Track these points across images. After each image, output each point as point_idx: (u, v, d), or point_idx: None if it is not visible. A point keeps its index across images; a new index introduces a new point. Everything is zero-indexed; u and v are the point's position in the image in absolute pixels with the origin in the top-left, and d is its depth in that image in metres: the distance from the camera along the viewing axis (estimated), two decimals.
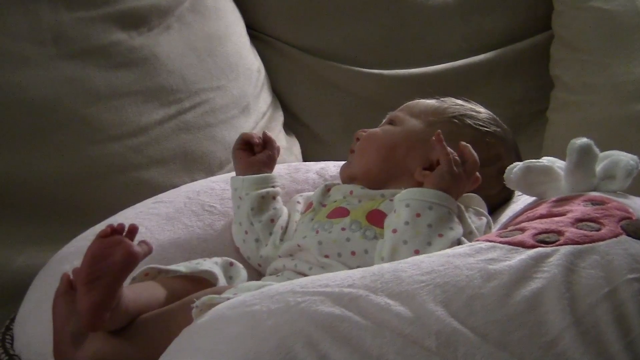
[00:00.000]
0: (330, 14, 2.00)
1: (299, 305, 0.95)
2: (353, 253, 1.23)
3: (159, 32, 1.80)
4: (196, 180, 1.60)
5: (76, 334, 1.09)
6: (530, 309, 0.95)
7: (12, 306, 1.33)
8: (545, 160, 1.23)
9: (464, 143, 1.22)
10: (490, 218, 1.29)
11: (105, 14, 1.74)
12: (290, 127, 2.01)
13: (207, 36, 1.86)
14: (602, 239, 1.03)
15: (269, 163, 1.39)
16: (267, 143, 1.40)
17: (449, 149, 1.20)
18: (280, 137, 1.93)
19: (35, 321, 1.24)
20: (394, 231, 1.17)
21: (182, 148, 1.75)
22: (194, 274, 1.21)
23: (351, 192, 1.32)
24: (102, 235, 1.08)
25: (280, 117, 1.98)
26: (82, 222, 1.41)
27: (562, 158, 1.20)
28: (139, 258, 1.08)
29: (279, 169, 1.51)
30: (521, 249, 1.02)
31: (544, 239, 1.04)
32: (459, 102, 1.38)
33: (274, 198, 1.37)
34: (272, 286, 1.00)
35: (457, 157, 1.21)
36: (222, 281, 1.22)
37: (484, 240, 1.06)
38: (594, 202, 1.12)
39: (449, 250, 1.05)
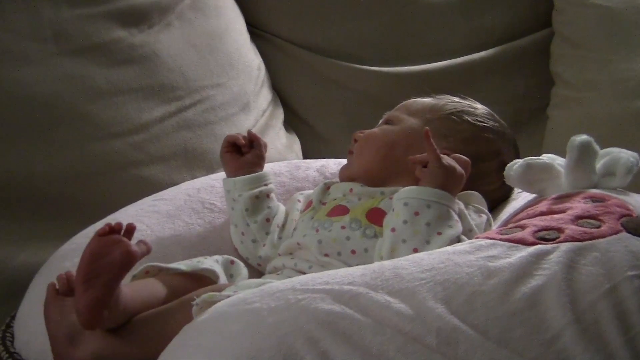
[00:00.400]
0: (330, 11, 2.00)
1: (300, 303, 0.95)
2: (353, 252, 1.23)
3: (159, 30, 1.80)
4: (196, 177, 1.59)
5: (72, 335, 1.10)
6: (531, 306, 0.95)
7: (13, 304, 1.33)
8: (546, 157, 1.23)
9: (427, 128, 1.21)
10: (490, 215, 1.29)
11: (105, 11, 1.74)
12: (290, 124, 2.01)
13: (207, 33, 1.86)
14: (603, 236, 1.03)
15: (259, 162, 1.38)
16: (253, 142, 1.38)
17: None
18: (280, 135, 1.93)
19: (36, 319, 1.23)
20: (393, 230, 1.17)
21: (182, 145, 1.75)
22: (195, 271, 1.21)
23: (351, 190, 1.32)
24: (101, 234, 1.08)
25: (280, 115, 1.98)
26: (82, 220, 1.41)
27: (563, 155, 1.20)
28: (137, 257, 1.08)
29: (279, 167, 1.51)
30: (521, 247, 1.02)
31: (544, 236, 1.04)
32: (456, 99, 1.38)
33: (268, 196, 1.37)
34: (273, 284, 1.00)
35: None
36: (223, 279, 1.22)
37: (484, 238, 1.06)
38: (594, 199, 1.12)
39: (449, 248, 1.05)
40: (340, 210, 1.28)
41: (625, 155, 1.18)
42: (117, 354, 1.10)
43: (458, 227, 1.18)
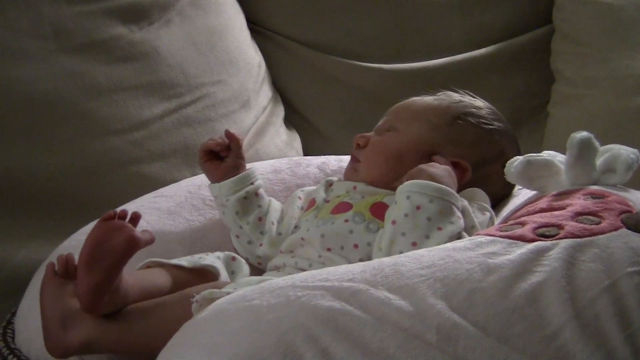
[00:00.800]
0: (331, 8, 1.99)
1: (300, 300, 0.95)
2: (356, 246, 1.22)
3: (159, 26, 1.79)
4: (197, 174, 1.59)
5: (64, 318, 1.09)
6: (531, 302, 0.95)
7: (14, 300, 1.33)
8: (546, 154, 1.23)
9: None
10: (493, 213, 1.28)
11: (105, 8, 1.74)
12: (291, 121, 2.01)
13: (207, 30, 1.86)
14: (602, 233, 1.03)
15: (240, 163, 1.36)
16: (230, 142, 1.36)
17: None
18: (280, 132, 1.93)
19: (37, 315, 1.23)
20: (394, 222, 1.17)
21: (182, 142, 1.75)
22: (196, 268, 1.21)
23: (355, 188, 1.31)
24: (105, 219, 1.08)
25: (280, 112, 1.98)
26: (83, 217, 1.41)
27: (563, 152, 1.20)
28: (140, 243, 1.08)
29: (280, 164, 1.51)
30: (521, 243, 1.02)
31: (544, 232, 1.04)
32: (456, 97, 1.36)
33: (256, 194, 1.36)
34: (272, 280, 1.00)
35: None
36: (224, 276, 1.22)
37: (484, 234, 1.06)
38: (594, 195, 1.12)
39: (449, 244, 1.05)
40: (343, 207, 1.27)
41: (625, 151, 1.17)
42: (108, 342, 1.09)
43: (459, 224, 1.17)
